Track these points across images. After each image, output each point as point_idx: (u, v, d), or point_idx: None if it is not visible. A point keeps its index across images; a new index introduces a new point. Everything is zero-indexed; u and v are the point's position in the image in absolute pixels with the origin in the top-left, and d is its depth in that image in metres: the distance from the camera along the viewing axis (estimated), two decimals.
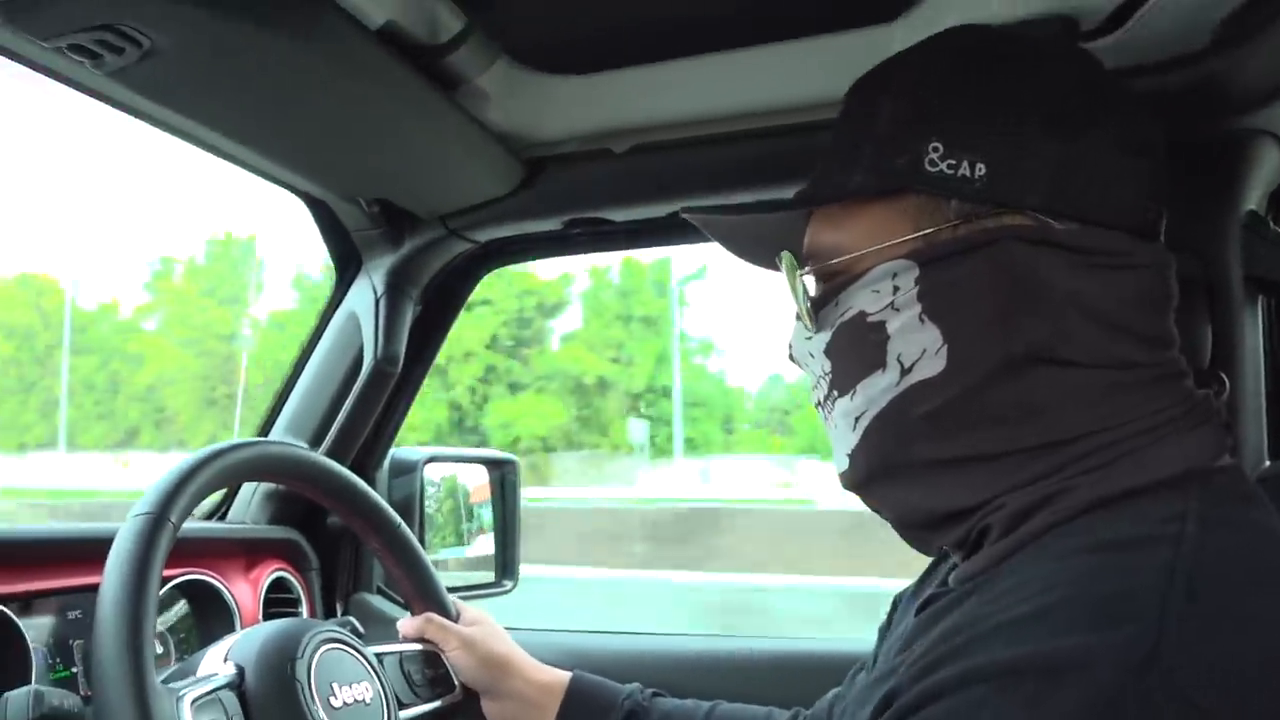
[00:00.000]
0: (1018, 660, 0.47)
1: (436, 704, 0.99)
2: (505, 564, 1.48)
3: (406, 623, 1.04)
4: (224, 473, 0.84)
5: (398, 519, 1.01)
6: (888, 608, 0.81)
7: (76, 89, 0.84)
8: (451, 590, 1.09)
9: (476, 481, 1.53)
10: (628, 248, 1.30)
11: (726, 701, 0.99)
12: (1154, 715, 0.44)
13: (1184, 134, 0.87)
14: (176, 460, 0.83)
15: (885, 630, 0.80)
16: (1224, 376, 0.67)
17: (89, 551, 0.79)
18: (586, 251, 1.31)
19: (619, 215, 1.20)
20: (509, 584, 1.47)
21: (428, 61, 0.91)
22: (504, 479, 1.51)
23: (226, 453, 0.85)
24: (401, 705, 0.93)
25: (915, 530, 0.66)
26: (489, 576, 1.48)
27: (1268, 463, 0.92)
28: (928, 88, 0.62)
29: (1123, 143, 0.60)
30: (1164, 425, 0.58)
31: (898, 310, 0.61)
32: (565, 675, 1.00)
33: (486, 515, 1.52)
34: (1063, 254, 0.58)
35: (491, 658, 1.01)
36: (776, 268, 0.75)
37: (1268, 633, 0.48)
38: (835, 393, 0.65)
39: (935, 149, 0.59)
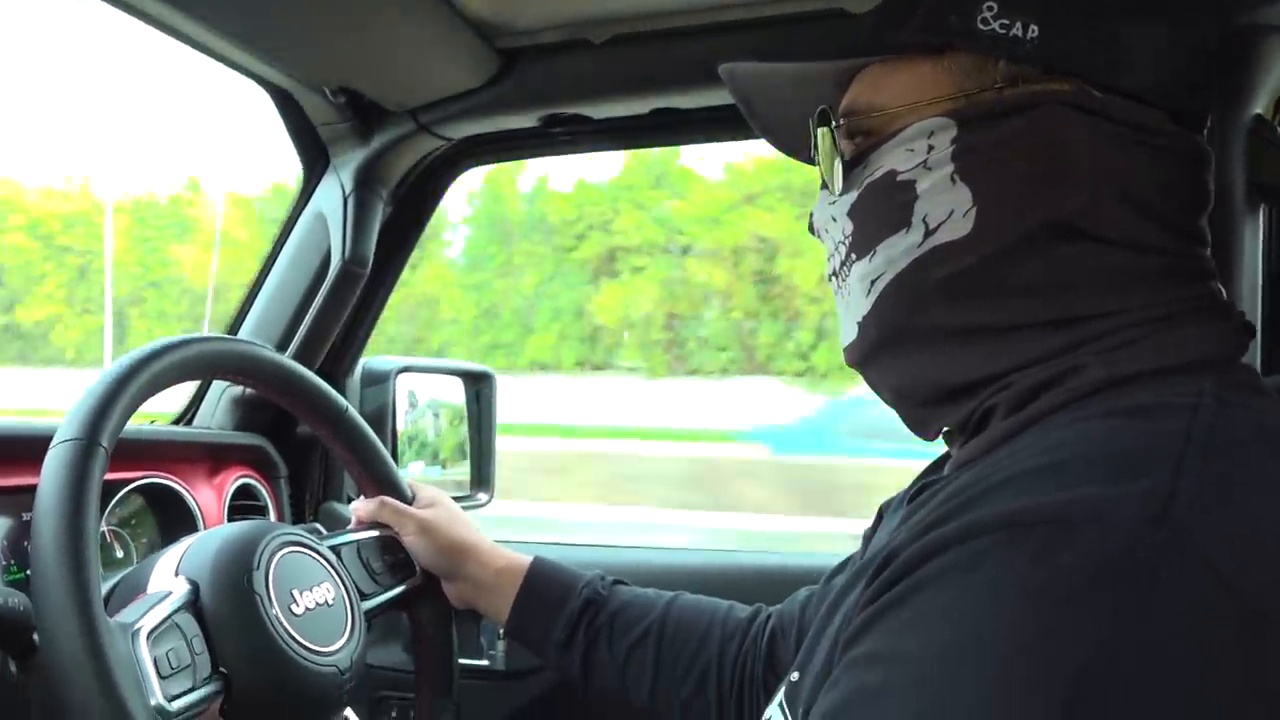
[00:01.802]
0: (1025, 511, 0.46)
1: (398, 590, 0.96)
2: (480, 477, 1.46)
3: (360, 505, 1.01)
4: (155, 379, 0.78)
5: (345, 403, 0.97)
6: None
7: None
8: None
9: (451, 393, 1.50)
10: (608, 147, 1.26)
11: (689, 593, 0.98)
12: (1166, 569, 0.42)
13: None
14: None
15: (870, 534, 0.78)
16: (1222, 287, 0.64)
17: (40, 448, 0.75)
18: (566, 152, 1.26)
19: (598, 111, 1.15)
20: (484, 497, 1.46)
21: None
22: (480, 391, 1.48)
23: (154, 358, 0.78)
24: (363, 596, 0.91)
25: (915, 407, 0.65)
26: (464, 489, 1.46)
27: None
28: None
29: (1178, 24, 0.59)
30: (1185, 314, 0.57)
31: (929, 169, 0.60)
32: (525, 559, 0.99)
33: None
34: (1106, 125, 0.57)
35: (450, 542, 0.98)
36: (796, 147, 0.75)
37: None
38: (853, 255, 0.64)
39: (990, 7, 0.58)
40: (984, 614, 0.44)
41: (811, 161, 0.69)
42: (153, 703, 0.69)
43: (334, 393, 0.96)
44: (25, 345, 20.44)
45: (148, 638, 0.71)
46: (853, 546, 0.84)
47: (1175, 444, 0.47)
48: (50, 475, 0.70)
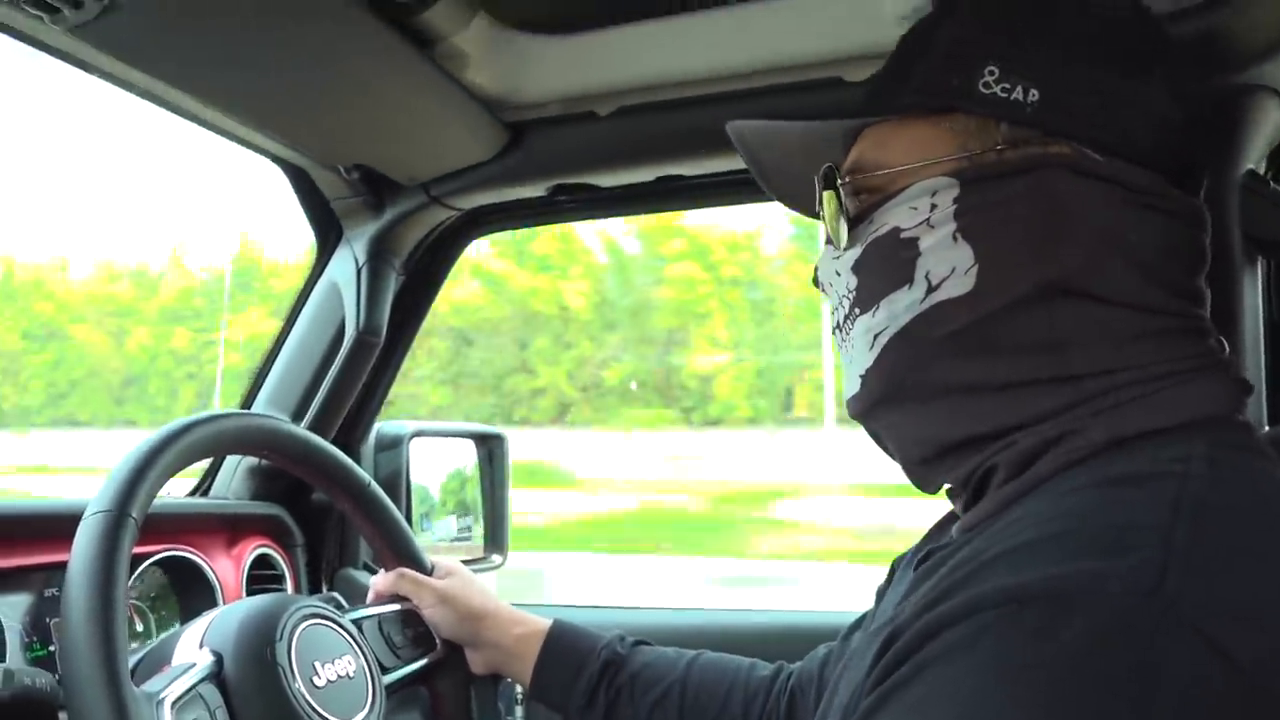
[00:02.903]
0: (1022, 587, 0.46)
1: (420, 663, 0.97)
2: (494, 538, 1.47)
3: (379, 579, 1.02)
4: (184, 454, 0.80)
5: (367, 478, 0.99)
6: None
7: (38, 48, 0.81)
8: None
9: (464, 457, 1.51)
10: (616, 214, 1.28)
11: (710, 652, 0.98)
12: (1162, 641, 0.43)
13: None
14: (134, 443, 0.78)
15: (883, 591, 0.78)
16: (1223, 339, 0.65)
17: (63, 527, 0.76)
18: (573, 219, 1.29)
19: (605, 181, 1.17)
20: (498, 559, 1.46)
21: (402, 18, 0.88)
22: (492, 453, 1.49)
23: (184, 432, 0.80)
24: (385, 669, 0.91)
25: (919, 464, 0.65)
26: (477, 552, 1.46)
27: (1266, 428, 0.91)
28: (990, 12, 0.62)
29: (1171, 88, 0.61)
30: (1182, 373, 0.57)
31: (933, 227, 0.61)
32: (545, 623, 0.99)
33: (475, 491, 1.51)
34: (1105, 187, 0.58)
35: (469, 610, 0.99)
36: (801, 204, 0.76)
37: (1275, 562, 0.47)
38: (857, 310, 0.65)
39: (991, 71, 0.60)
40: (987, 693, 0.44)
41: (816, 216, 0.70)
42: None
43: (357, 467, 0.98)
44: None
45: (172, 707, 0.72)
46: (869, 602, 0.84)
47: (1164, 516, 0.48)
48: (82, 545, 0.71)
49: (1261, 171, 0.93)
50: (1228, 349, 0.63)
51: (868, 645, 0.62)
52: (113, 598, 0.69)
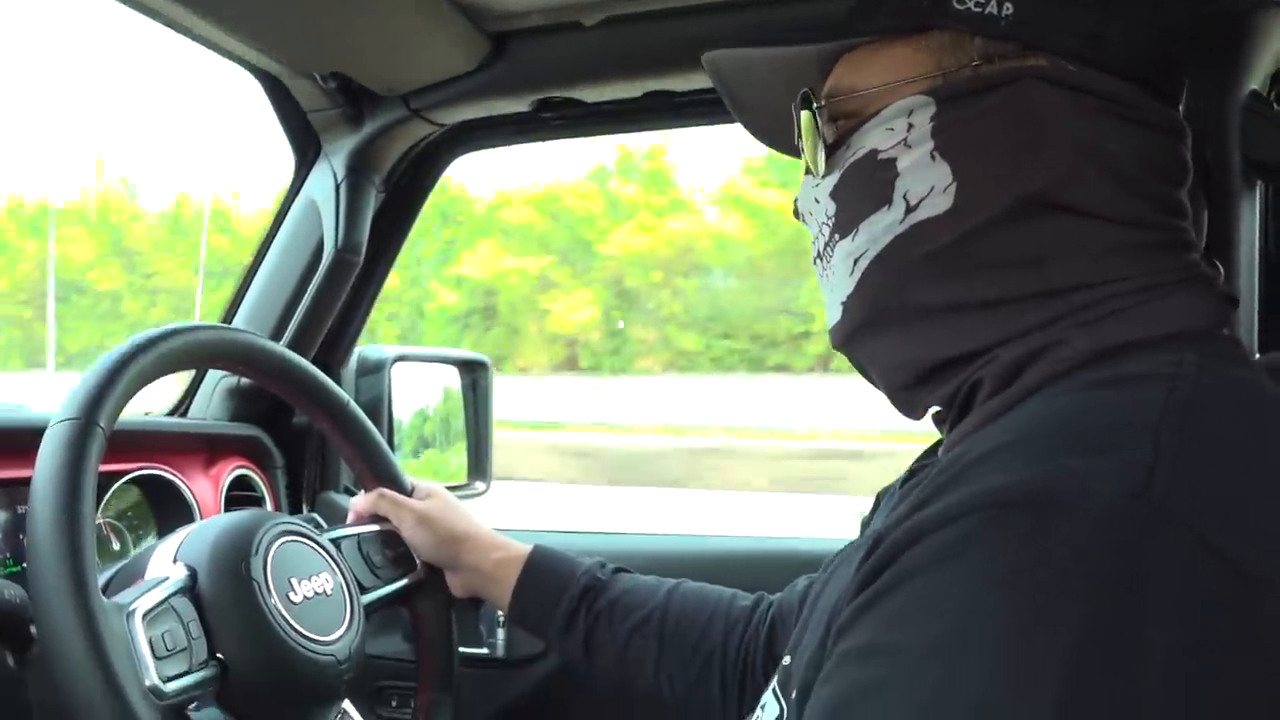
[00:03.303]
0: (1007, 489, 0.46)
1: (399, 584, 0.96)
2: (478, 466, 1.46)
3: (358, 500, 1.01)
4: (156, 364, 0.78)
5: (346, 396, 0.97)
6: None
7: None
8: None
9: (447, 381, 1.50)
10: (603, 132, 1.25)
11: (692, 581, 0.98)
12: (1151, 542, 0.42)
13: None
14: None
15: (868, 521, 0.78)
16: (1218, 264, 0.64)
17: (37, 439, 0.74)
18: (558, 137, 1.25)
19: (591, 95, 1.14)
20: (482, 486, 1.46)
21: None
22: (476, 381, 1.48)
23: (155, 342, 0.78)
24: (363, 589, 0.90)
25: (902, 389, 0.65)
26: (461, 479, 1.46)
27: (1258, 355, 0.90)
28: None
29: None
30: (1167, 286, 0.57)
31: (910, 147, 0.60)
32: (525, 548, 0.99)
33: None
34: (1083, 98, 0.57)
35: (449, 533, 0.99)
36: (780, 139, 0.74)
37: (1266, 462, 0.47)
38: (836, 236, 0.64)
39: None
40: (974, 602, 0.44)
41: (794, 152, 0.70)
42: (147, 682, 0.68)
43: (335, 386, 0.96)
44: None
45: (143, 618, 0.71)
46: (854, 530, 0.83)
47: (1153, 415, 0.48)
48: (47, 453, 0.70)
49: (1265, 92, 0.91)
50: (1221, 271, 0.62)
51: (854, 552, 0.61)
52: (79, 507, 0.68)
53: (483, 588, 0.99)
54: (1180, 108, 0.62)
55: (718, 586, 0.97)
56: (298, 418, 1.33)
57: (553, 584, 0.96)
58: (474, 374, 1.48)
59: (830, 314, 0.66)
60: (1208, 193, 0.86)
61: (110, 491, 1.06)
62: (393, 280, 1.44)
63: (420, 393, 1.48)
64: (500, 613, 1.28)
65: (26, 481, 0.92)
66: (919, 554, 0.47)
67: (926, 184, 0.59)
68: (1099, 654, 0.41)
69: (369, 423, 1.00)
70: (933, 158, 0.59)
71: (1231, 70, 0.87)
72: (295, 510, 1.34)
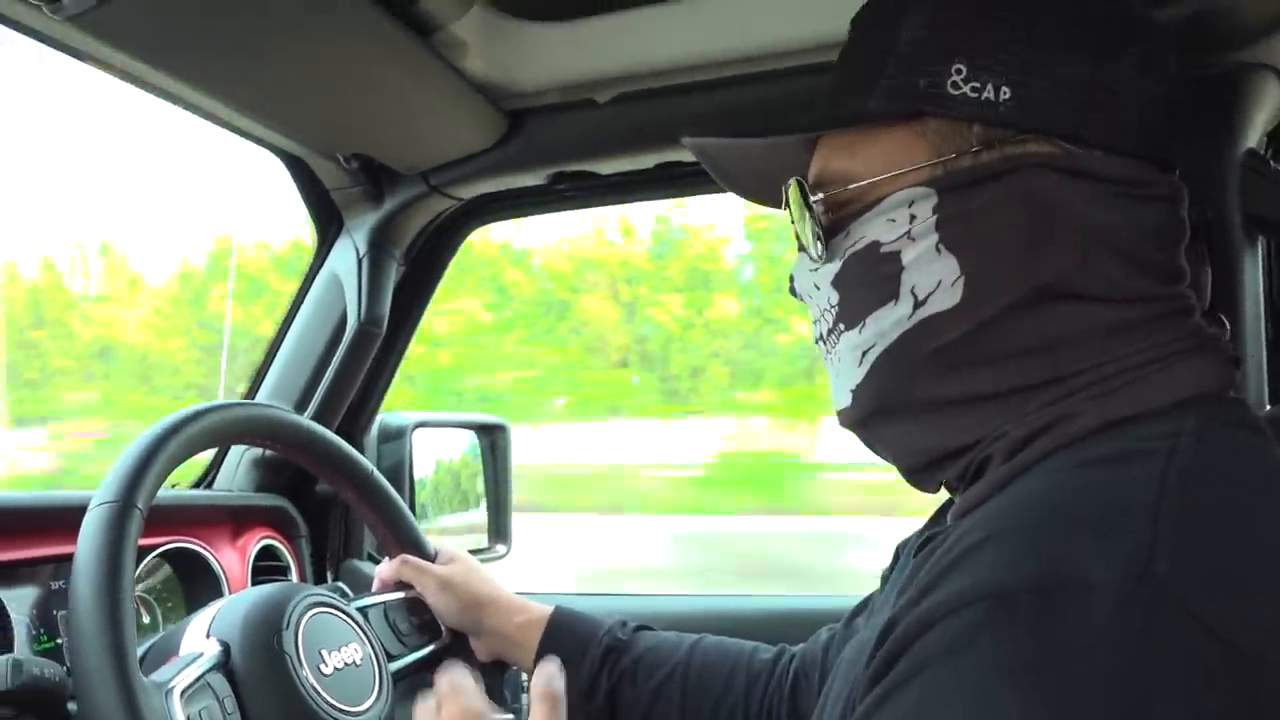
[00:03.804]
0: (1011, 579, 0.45)
1: (425, 651, 0.97)
2: (498, 529, 1.47)
3: (383, 567, 1.02)
4: (188, 444, 0.81)
5: (370, 466, 0.99)
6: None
7: (35, 37, 0.81)
8: None
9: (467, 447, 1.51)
10: (616, 202, 1.28)
11: (713, 636, 0.98)
12: (1157, 629, 0.42)
13: (1181, 70, 0.85)
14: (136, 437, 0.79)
15: (888, 575, 0.78)
16: (1224, 319, 0.65)
17: (69, 519, 0.77)
18: (574, 208, 1.28)
19: (605, 168, 1.17)
20: (502, 549, 1.46)
21: (400, 5, 0.88)
22: (495, 444, 1.49)
23: (187, 423, 0.81)
24: (391, 657, 0.92)
25: (915, 471, 0.65)
26: (482, 542, 1.47)
27: (1268, 407, 0.91)
28: (950, 9, 0.59)
29: (1146, 69, 0.59)
30: (1172, 356, 0.57)
31: (914, 240, 0.59)
32: (546, 610, 0.99)
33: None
34: (1086, 183, 0.57)
35: (471, 597, 0.99)
36: (775, 202, 0.73)
37: (1265, 535, 0.47)
38: (841, 325, 0.63)
39: (959, 70, 0.57)
40: (989, 696, 0.43)
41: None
42: None
43: (358, 455, 0.98)
44: None
45: (181, 696, 0.72)
46: (873, 584, 0.84)
47: (1150, 493, 0.47)
48: (88, 536, 0.72)
49: (1262, 150, 0.93)
50: (1228, 328, 0.64)
51: (870, 634, 0.61)
52: (120, 587, 0.70)
53: (506, 651, 0.99)
54: (1176, 172, 0.62)
55: (739, 640, 0.97)
56: (321, 486, 1.35)
57: (575, 645, 0.96)
58: (492, 437, 1.49)
59: (838, 399, 0.65)
60: (1210, 250, 0.88)
61: (140, 566, 1.07)
62: None
63: (442, 457, 1.50)
64: (525, 677, 1.29)
65: (57, 559, 0.95)
66: (929, 644, 0.46)
67: (934, 278, 0.58)
68: None
69: (392, 490, 1.02)
70: (938, 251, 0.58)
71: (1228, 130, 0.89)
72: (320, 578, 1.35)
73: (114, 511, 0.73)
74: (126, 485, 0.74)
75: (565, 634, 0.97)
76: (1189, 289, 0.60)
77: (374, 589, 1.01)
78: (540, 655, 0.96)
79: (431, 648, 0.98)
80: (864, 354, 0.62)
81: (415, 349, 1.41)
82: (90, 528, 0.72)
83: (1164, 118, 0.60)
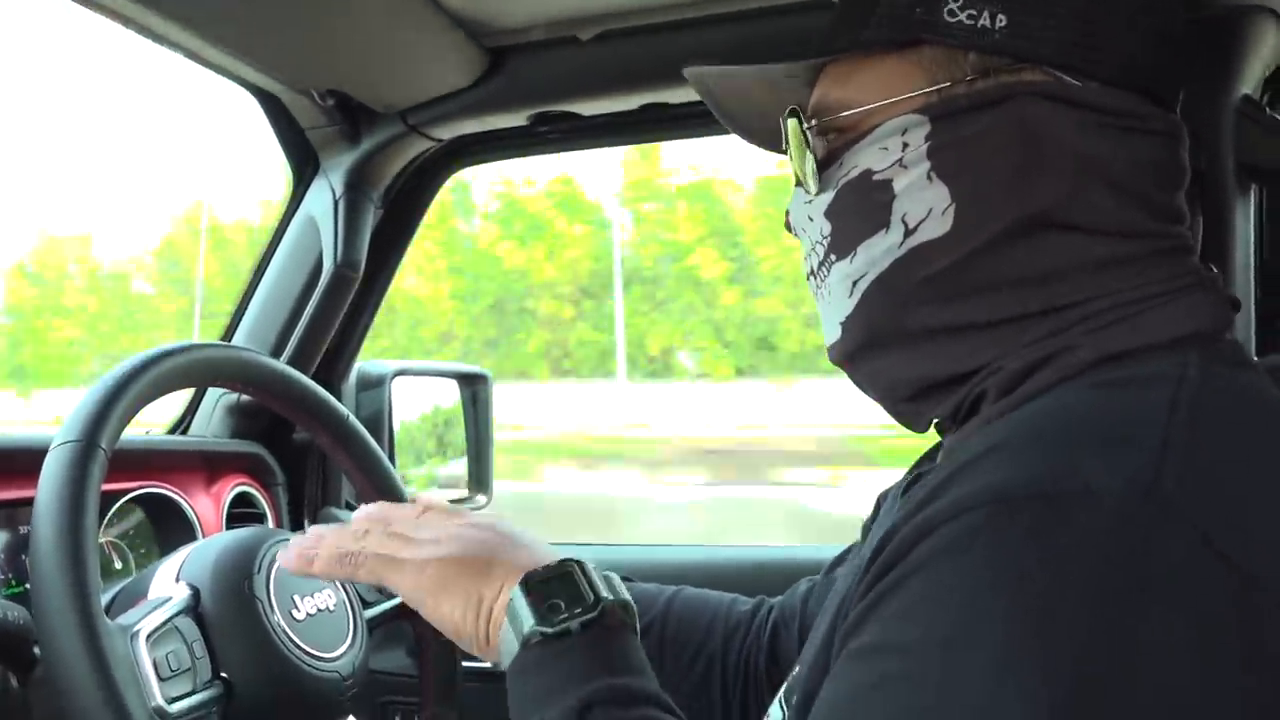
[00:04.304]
0: (1014, 484, 0.45)
1: (399, 598, 0.96)
2: (479, 478, 1.46)
3: (359, 511, 0.99)
4: (155, 384, 0.78)
5: (345, 411, 0.97)
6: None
7: None
8: None
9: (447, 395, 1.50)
10: (599, 144, 1.25)
11: (692, 588, 0.97)
12: (1159, 543, 0.42)
13: None
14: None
15: (869, 525, 0.78)
16: (1214, 268, 0.64)
17: (38, 460, 0.75)
18: (556, 150, 1.26)
19: (588, 109, 1.15)
20: (483, 499, 1.46)
21: None
22: (476, 394, 1.48)
23: (155, 362, 0.78)
24: (366, 604, 0.90)
25: (904, 403, 0.64)
26: (462, 492, 1.46)
27: (1255, 358, 0.90)
28: None
29: (1140, 4, 0.59)
30: (1170, 293, 0.57)
31: (905, 168, 0.59)
32: None
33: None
34: (1080, 112, 0.57)
35: None
36: (773, 144, 0.73)
37: (1267, 467, 0.47)
38: (833, 256, 0.63)
39: None
40: (980, 598, 0.43)
41: (785, 152, 0.69)
42: (152, 704, 0.69)
43: (335, 402, 0.96)
44: None
45: (147, 639, 0.71)
46: (853, 536, 0.83)
47: (1161, 414, 0.48)
48: (49, 476, 0.70)
49: (1258, 97, 0.91)
50: (1219, 275, 0.63)
51: (859, 552, 0.61)
52: (81, 527, 0.68)
53: None
54: (1178, 108, 0.61)
55: (717, 592, 0.96)
56: (298, 433, 1.33)
57: None
58: (474, 387, 1.48)
59: (828, 332, 0.65)
60: (1202, 198, 0.87)
61: (112, 511, 1.06)
62: None
63: (421, 405, 1.48)
64: None
65: (27, 502, 0.93)
66: (925, 550, 0.46)
67: (924, 206, 0.58)
68: (1103, 653, 0.41)
69: (370, 438, 1.00)
70: (929, 179, 0.58)
71: (1223, 75, 0.87)
72: (297, 526, 1.33)
73: (76, 451, 0.71)
74: (89, 424, 0.72)
75: None
76: (1187, 230, 0.60)
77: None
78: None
79: None
80: (854, 284, 0.62)
81: None
82: (51, 467, 0.70)
83: (1163, 53, 0.60)
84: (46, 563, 0.67)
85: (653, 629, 0.92)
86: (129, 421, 0.76)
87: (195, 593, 0.77)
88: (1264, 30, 0.87)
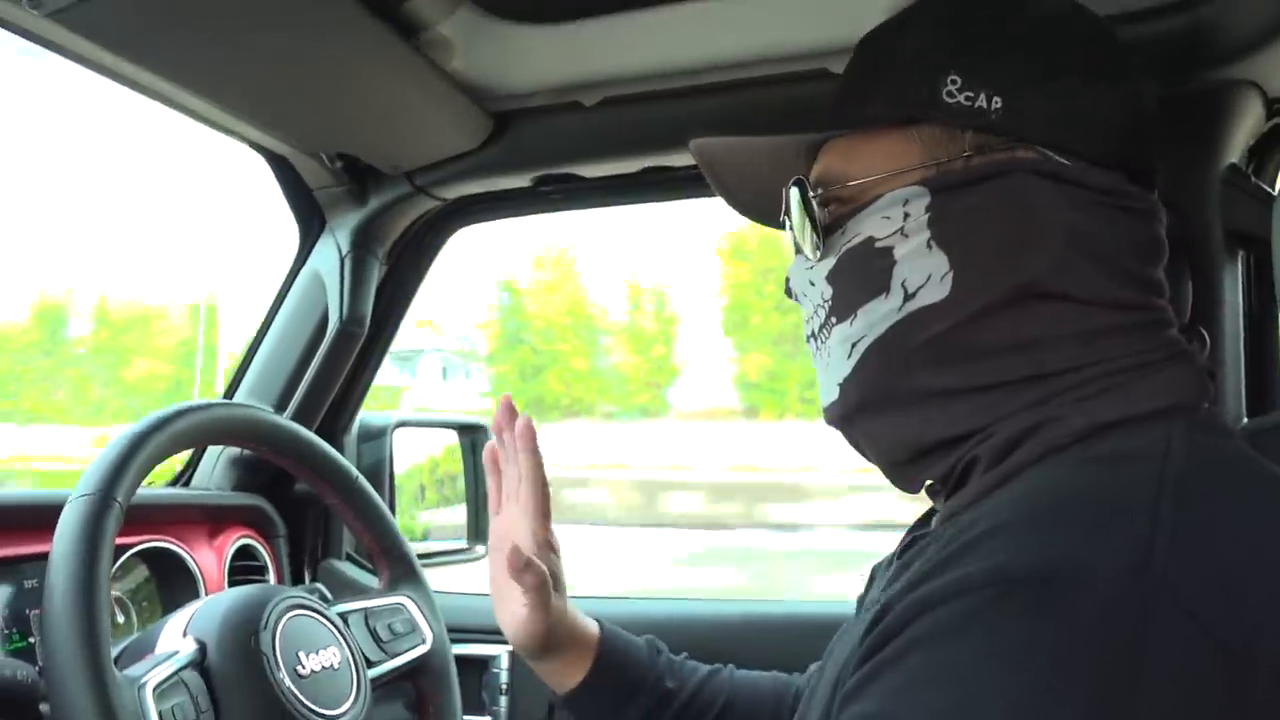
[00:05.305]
0: (1010, 568, 0.47)
1: (405, 659, 0.97)
2: (477, 529, 1.46)
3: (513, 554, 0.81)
4: (170, 441, 0.80)
5: (355, 471, 0.99)
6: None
7: (14, 32, 0.80)
8: (422, 556, 1.06)
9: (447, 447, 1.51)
10: (600, 205, 1.27)
11: (739, 670, 0.94)
12: (1151, 624, 0.43)
13: (1165, 85, 0.86)
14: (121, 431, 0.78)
15: (863, 599, 0.78)
16: (1204, 333, 0.66)
17: (44, 517, 0.76)
18: (558, 210, 1.27)
19: (590, 171, 1.17)
20: (481, 549, 1.45)
21: (387, 4, 0.87)
22: (475, 444, 1.49)
23: (170, 420, 0.80)
24: (369, 664, 0.91)
25: (899, 466, 0.65)
26: (460, 543, 1.46)
27: (1245, 420, 0.91)
28: (948, 24, 0.64)
29: (1123, 90, 0.62)
30: (1150, 364, 0.59)
31: (906, 236, 0.62)
32: (593, 629, 0.88)
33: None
34: (1069, 189, 0.59)
35: (554, 636, 0.86)
36: (764, 215, 0.76)
37: (1259, 538, 0.48)
38: (833, 319, 0.65)
39: (954, 81, 0.61)
40: (980, 676, 0.44)
41: (776, 226, 0.71)
42: None
43: (343, 460, 0.98)
44: None
45: (154, 691, 0.72)
46: None
47: (1149, 492, 0.49)
48: (66, 528, 0.71)
49: (1243, 166, 0.94)
50: (1208, 341, 0.65)
51: (856, 624, 0.62)
52: (96, 580, 0.70)
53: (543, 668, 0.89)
54: (1155, 190, 0.64)
55: (774, 674, 0.93)
56: (299, 486, 1.34)
57: (623, 684, 0.87)
58: (473, 437, 1.49)
59: (826, 394, 0.67)
60: (1191, 264, 0.89)
61: (116, 565, 1.06)
62: None
63: (421, 456, 1.49)
64: (504, 681, 1.29)
65: (31, 558, 0.94)
66: (924, 627, 0.47)
67: (924, 273, 0.61)
68: None
69: (376, 496, 1.01)
70: (929, 247, 0.61)
71: (1210, 145, 0.90)
72: (298, 578, 1.34)
73: (93, 504, 0.72)
74: (107, 478, 0.74)
75: (616, 668, 0.88)
76: (1167, 303, 0.62)
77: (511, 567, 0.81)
78: (586, 686, 0.87)
79: (412, 656, 0.98)
80: (853, 345, 0.64)
81: None
82: (69, 519, 0.72)
83: (1144, 135, 0.63)
84: (60, 613, 0.68)
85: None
86: (144, 476, 0.78)
87: (202, 647, 0.78)
88: (1248, 103, 0.90)
